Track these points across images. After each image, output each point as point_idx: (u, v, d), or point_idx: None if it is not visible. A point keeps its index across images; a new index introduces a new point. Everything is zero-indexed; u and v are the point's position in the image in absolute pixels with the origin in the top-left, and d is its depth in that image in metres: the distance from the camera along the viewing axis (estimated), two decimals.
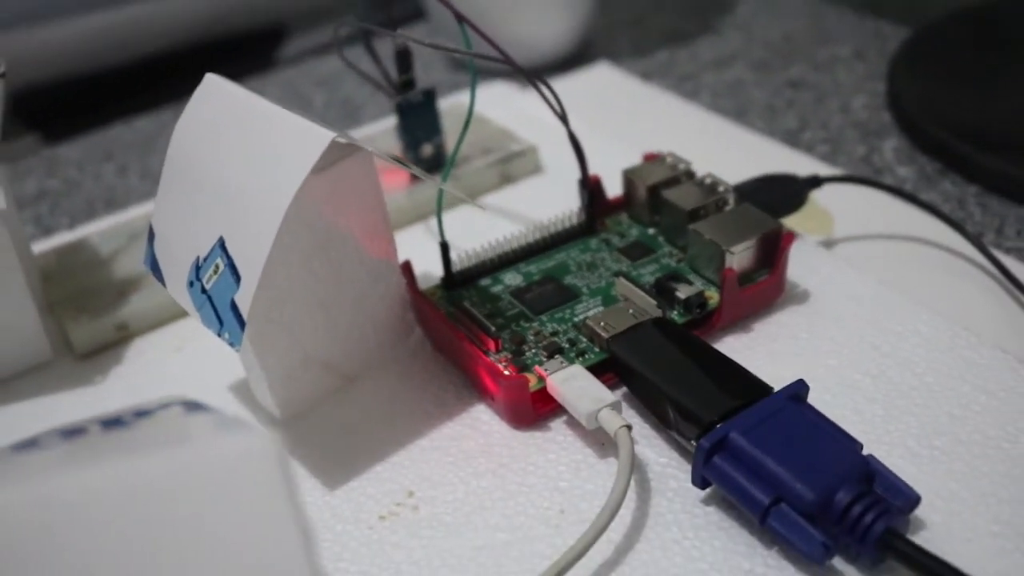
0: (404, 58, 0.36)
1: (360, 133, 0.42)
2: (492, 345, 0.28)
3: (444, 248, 0.30)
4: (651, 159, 0.34)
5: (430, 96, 0.37)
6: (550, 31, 0.46)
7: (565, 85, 0.42)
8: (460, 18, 0.28)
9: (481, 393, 0.28)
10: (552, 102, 0.29)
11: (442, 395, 0.29)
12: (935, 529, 0.23)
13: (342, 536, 0.25)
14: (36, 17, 0.50)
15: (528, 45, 0.45)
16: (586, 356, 0.28)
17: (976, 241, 0.32)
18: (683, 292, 0.29)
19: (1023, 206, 0.35)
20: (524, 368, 0.27)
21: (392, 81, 0.37)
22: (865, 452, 0.24)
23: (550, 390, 0.27)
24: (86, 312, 0.32)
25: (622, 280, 0.30)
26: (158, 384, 0.30)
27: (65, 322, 0.32)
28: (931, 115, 0.39)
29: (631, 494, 0.25)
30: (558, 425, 0.27)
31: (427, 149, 0.38)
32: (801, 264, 0.31)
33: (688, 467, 0.25)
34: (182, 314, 0.33)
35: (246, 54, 0.55)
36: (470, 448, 0.27)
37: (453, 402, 0.28)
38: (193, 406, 0.18)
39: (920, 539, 0.23)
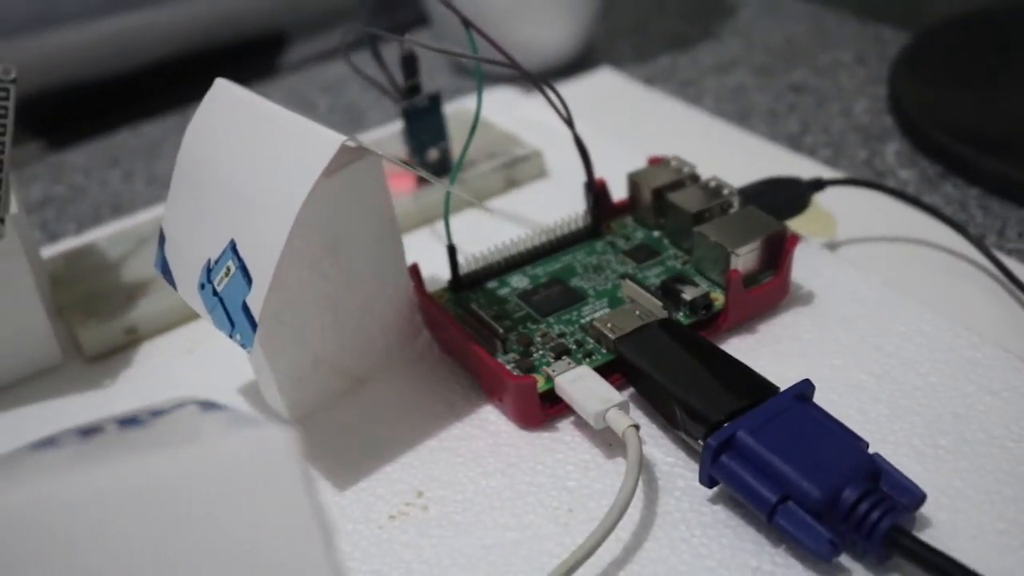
0: (410, 63, 0.36)
1: (365, 138, 0.42)
2: (500, 347, 0.28)
3: (451, 251, 0.30)
4: (656, 162, 0.34)
5: (436, 101, 0.37)
6: (553, 37, 0.46)
7: (568, 90, 0.42)
8: (467, 23, 0.28)
9: (489, 394, 0.28)
10: (558, 106, 0.30)
11: (450, 396, 0.29)
12: (940, 526, 0.23)
13: (352, 536, 0.25)
14: (41, 24, 0.51)
15: (531, 50, 0.46)
16: (593, 357, 0.28)
17: (978, 243, 0.32)
18: (689, 294, 0.29)
19: None
20: (532, 369, 0.28)
21: (398, 86, 0.37)
22: (871, 451, 0.24)
23: (558, 391, 0.27)
24: (95, 316, 0.32)
25: (628, 282, 0.30)
26: (167, 387, 0.30)
27: (74, 326, 0.32)
28: (932, 119, 0.39)
29: (639, 493, 0.25)
30: (566, 425, 0.27)
31: (433, 154, 0.38)
32: (805, 266, 0.31)
33: (695, 466, 0.25)
34: (191, 317, 0.33)
35: (250, 60, 0.56)
36: (479, 448, 0.27)
37: (461, 403, 0.29)
38: (209, 405, 0.18)
39: (926, 536, 0.23)
